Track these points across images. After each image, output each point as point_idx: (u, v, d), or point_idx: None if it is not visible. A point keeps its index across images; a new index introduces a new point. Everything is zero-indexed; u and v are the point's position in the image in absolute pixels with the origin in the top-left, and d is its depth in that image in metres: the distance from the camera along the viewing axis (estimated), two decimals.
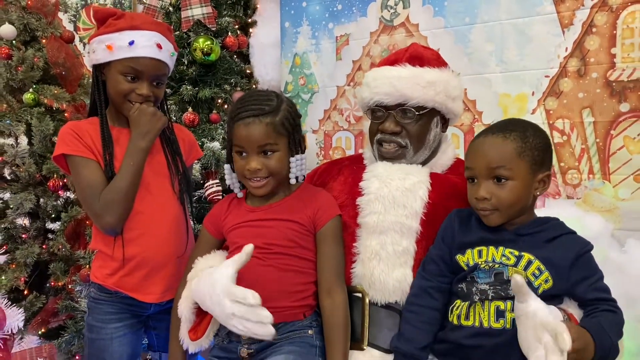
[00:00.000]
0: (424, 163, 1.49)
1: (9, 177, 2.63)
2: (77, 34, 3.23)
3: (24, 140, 2.63)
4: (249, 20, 2.94)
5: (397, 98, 1.42)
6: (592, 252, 1.24)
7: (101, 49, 1.52)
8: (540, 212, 1.36)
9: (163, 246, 1.59)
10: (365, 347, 1.39)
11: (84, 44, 3.64)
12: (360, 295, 1.41)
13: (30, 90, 2.56)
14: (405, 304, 1.36)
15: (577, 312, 1.22)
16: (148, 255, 1.57)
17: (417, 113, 1.42)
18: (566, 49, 2.26)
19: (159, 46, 1.54)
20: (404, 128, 1.44)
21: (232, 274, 1.27)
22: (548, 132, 2.31)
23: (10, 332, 1.60)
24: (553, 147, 2.20)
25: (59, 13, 3.09)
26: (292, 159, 1.41)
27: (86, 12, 3.57)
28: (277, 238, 1.39)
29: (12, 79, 2.56)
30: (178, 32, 2.47)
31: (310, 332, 1.39)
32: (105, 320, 1.60)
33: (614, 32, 2.17)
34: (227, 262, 1.30)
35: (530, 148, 1.24)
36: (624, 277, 2.05)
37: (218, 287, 1.26)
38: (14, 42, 2.56)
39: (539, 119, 2.32)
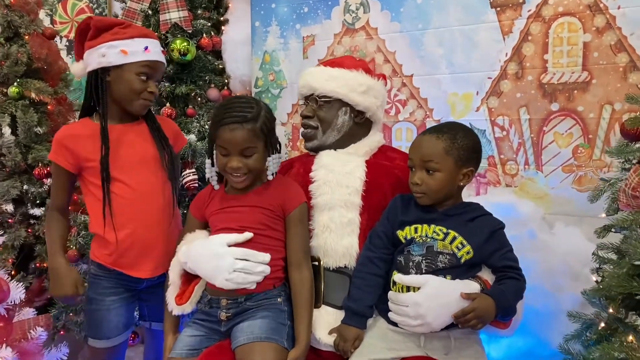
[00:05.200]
0: (335, 145, 1.76)
1: None
2: (53, 27, 3.36)
3: (7, 131, 2.69)
4: (221, 18, 3.05)
5: (308, 89, 1.75)
6: (503, 229, 1.49)
7: (114, 53, 1.69)
8: (481, 198, 1.61)
9: (151, 228, 1.77)
10: (320, 305, 1.63)
11: (61, 38, 3.76)
12: (316, 263, 1.65)
13: (15, 84, 2.64)
14: (354, 271, 1.59)
15: (490, 278, 1.48)
16: (138, 237, 1.75)
17: (321, 100, 1.72)
18: (506, 54, 2.45)
19: (163, 52, 1.79)
20: (315, 114, 1.74)
21: (228, 243, 1.53)
22: (490, 127, 2.51)
23: (12, 303, 1.79)
24: (494, 141, 2.53)
25: None
26: (269, 159, 1.60)
27: (62, 6, 3.72)
28: (250, 222, 1.58)
29: None
30: (157, 33, 2.54)
31: (279, 299, 1.60)
32: (104, 294, 1.79)
33: (547, 40, 2.35)
34: (224, 235, 1.55)
35: (457, 148, 1.47)
36: (549, 254, 2.27)
37: (220, 249, 1.51)
38: None
39: (482, 116, 2.52)
